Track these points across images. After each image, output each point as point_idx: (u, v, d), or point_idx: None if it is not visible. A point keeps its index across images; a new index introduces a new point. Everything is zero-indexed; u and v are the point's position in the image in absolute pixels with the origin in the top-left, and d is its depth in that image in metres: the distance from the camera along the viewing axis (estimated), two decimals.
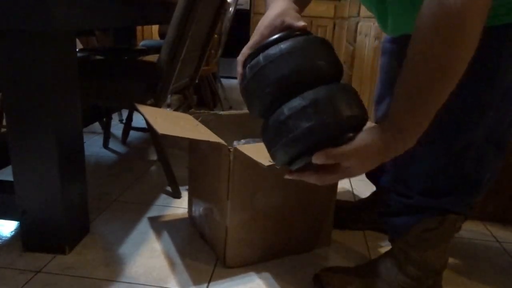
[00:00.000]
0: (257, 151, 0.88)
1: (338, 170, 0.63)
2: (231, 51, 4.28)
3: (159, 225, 1.26)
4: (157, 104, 1.37)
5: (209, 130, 1.03)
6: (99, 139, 2.06)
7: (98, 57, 2.17)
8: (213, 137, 0.96)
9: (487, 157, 0.78)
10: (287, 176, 0.69)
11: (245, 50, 0.70)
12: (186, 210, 1.35)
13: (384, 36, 1.12)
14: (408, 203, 0.87)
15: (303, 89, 0.62)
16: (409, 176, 0.87)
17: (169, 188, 1.51)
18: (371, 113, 1.80)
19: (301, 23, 0.67)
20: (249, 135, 1.35)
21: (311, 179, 0.65)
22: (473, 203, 0.84)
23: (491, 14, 0.62)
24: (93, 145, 1.98)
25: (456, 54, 0.55)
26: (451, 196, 0.82)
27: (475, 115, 0.75)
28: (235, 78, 4.40)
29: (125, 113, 2.48)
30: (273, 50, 0.63)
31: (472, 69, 0.62)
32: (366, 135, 0.61)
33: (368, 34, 2.08)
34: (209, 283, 1.00)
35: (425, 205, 0.84)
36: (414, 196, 0.86)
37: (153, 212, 1.34)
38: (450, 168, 0.80)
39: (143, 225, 1.25)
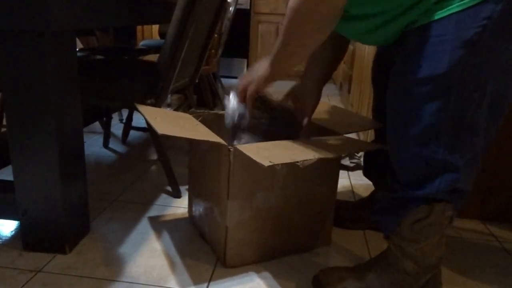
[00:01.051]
0: (257, 151, 0.88)
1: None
2: (231, 50, 4.29)
3: (159, 224, 1.26)
4: (158, 103, 1.37)
5: (209, 130, 1.03)
6: (99, 139, 2.06)
7: (98, 56, 2.17)
8: (213, 137, 0.96)
9: (460, 141, 0.80)
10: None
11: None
12: (186, 209, 1.36)
13: None
14: (396, 196, 0.89)
15: None
16: (395, 170, 0.89)
17: (169, 188, 1.51)
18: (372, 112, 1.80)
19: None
20: (249, 135, 1.35)
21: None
22: (460, 191, 0.85)
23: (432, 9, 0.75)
24: (93, 144, 1.98)
25: (291, 30, 0.84)
26: (433, 184, 0.83)
27: (436, 101, 0.78)
28: (235, 77, 4.42)
29: (125, 113, 2.48)
30: None
31: (427, 57, 0.76)
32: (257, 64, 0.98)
33: None
34: (209, 282, 1.00)
35: (411, 196, 0.86)
36: (400, 189, 0.88)
37: (153, 211, 1.34)
38: (425, 156, 0.82)
39: (143, 224, 1.25)
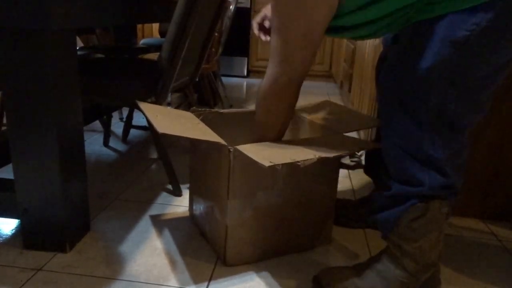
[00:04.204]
0: (257, 151, 0.88)
1: None
2: (232, 49, 4.29)
3: (159, 223, 1.26)
4: (158, 102, 1.37)
5: (210, 129, 1.03)
6: (100, 138, 2.07)
7: (99, 55, 2.17)
8: (213, 137, 0.96)
9: (442, 138, 0.81)
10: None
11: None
12: (187, 208, 1.36)
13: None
14: (389, 195, 0.89)
15: None
16: (387, 167, 0.89)
17: (169, 186, 1.51)
18: (372, 111, 1.80)
19: None
20: (250, 134, 1.35)
21: None
22: (452, 186, 0.85)
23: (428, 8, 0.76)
24: (93, 143, 1.98)
25: (267, 113, 0.97)
26: (422, 180, 0.84)
27: (419, 95, 0.80)
28: (236, 76, 4.41)
29: (125, 112, 2.48)
30: None
31: (414, 52, 0.79)
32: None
33: None
34: (209, 281, 1.00)
35: (404, 193, 0.86)
36: (392, 186, 0.88)
37: (153, 210, 1.34)
38: (409, 149, 0.83)
39: (144, 223, 1.25)
